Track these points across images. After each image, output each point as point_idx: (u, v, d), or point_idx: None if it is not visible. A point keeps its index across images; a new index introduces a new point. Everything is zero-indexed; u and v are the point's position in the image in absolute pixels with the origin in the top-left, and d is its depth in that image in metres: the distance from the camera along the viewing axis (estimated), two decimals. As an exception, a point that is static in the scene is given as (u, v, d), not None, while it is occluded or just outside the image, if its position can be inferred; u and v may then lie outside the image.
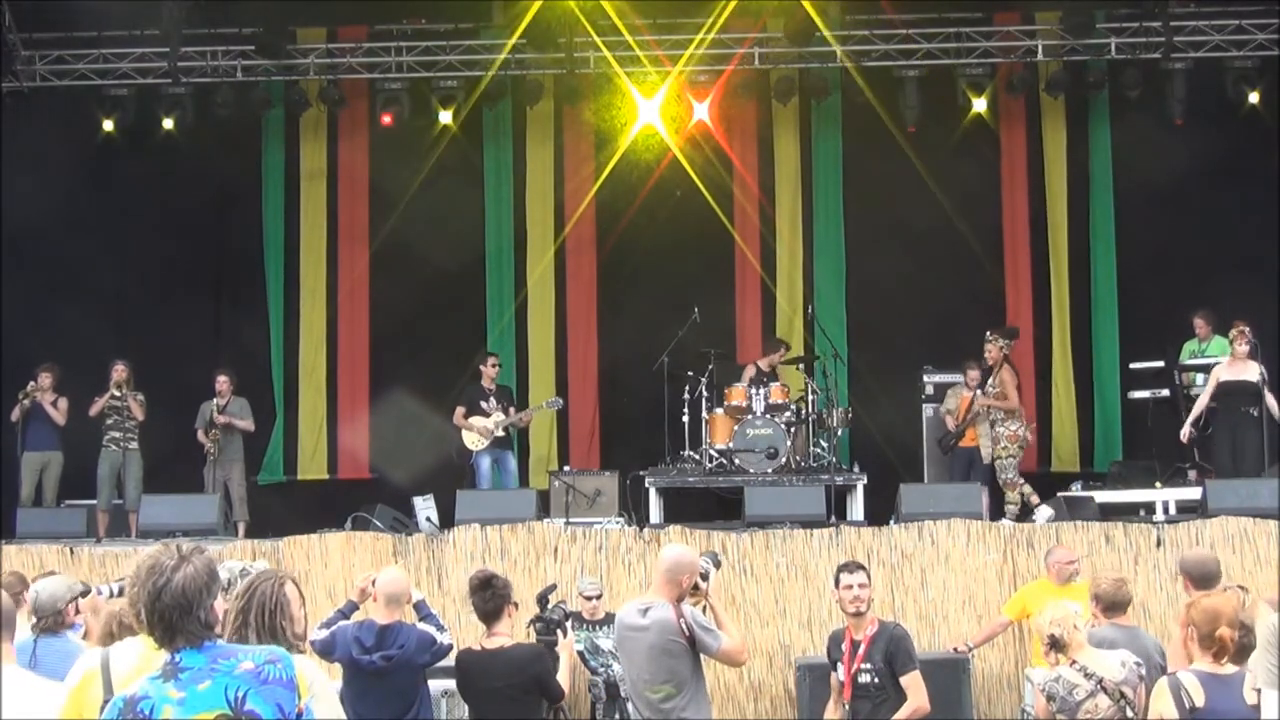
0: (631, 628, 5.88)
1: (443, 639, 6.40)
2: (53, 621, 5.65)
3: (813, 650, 9.72)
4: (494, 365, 12.71)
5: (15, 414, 12.29)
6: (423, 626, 6.42)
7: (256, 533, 11.66)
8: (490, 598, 6.45)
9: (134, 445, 12.38)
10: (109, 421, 12.33)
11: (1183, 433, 11.44)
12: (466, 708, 7.95)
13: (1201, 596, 5.06)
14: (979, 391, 12.28)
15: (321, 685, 4.75)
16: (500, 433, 12.46)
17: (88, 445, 12.59)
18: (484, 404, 12.47)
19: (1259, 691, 4.66)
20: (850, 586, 6.43)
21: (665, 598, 5.84)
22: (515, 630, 6.87)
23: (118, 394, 12.32)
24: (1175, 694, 4.74)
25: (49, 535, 10.69)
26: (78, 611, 6.23)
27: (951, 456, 12.51)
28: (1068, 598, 7.85)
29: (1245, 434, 11.38)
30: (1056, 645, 5.52)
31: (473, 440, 12.43)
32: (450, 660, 6.66)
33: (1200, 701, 4.71)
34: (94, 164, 13.92)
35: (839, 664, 6.46)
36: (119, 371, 12.36)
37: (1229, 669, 4.78)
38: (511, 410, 12.60)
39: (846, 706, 6.36)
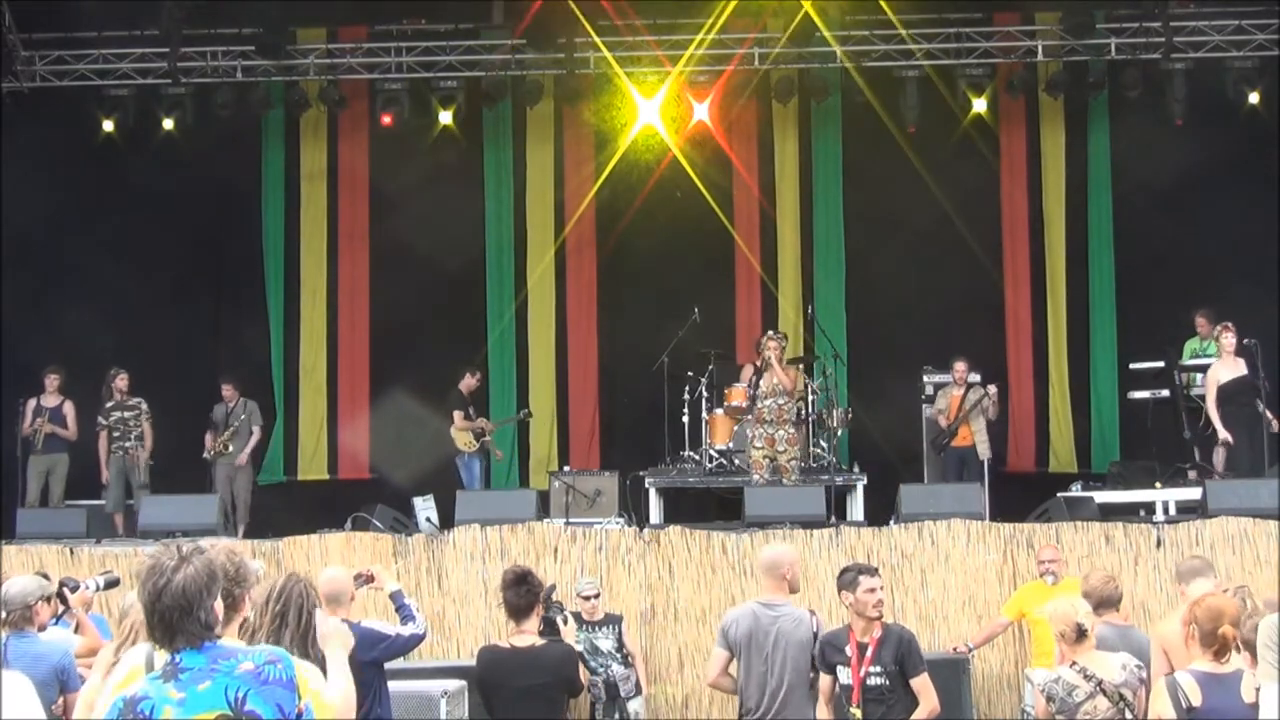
0: (761, 622, 6.47)
1: (403, 631, 6.29)
2: (19, 617, 5.63)
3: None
4: (477, 379, 13.30)
5: (27, 428, 12.36)
6: (369, 624, 6.34)
7: (256, 533, 11.68)
8: (524, 593, 6.43)
9: (140, 452, 12.46)
10: (117, 433, 12.38)
11: (1221, 436, 11.38)
12: (467, 707, 7.97)
13: (1205, 595, 5.07)
14: (968, 390, 12.33)
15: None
16: (487, 437, 12.93)
17: (90, 446, 12.62)
18: (470, 410, 12.99)
19: (1258, 690, 4.68)
20: (873, 590, 6.37)
21: (783, 595, 6.59)
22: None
23: (130, 403, 12.48)
24: (1173, 694, 4.76)
25: (49, 535, 10.66)
26: (65, 606, 6.23)
27: (945, 456, 12.54)
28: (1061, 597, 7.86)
29: (1257, 429, 11.38)
30: (1083, 634, 5.55)
31: (465, 441, 12.79)
32: (411, 651, 6.54)
33: (1197, 701, 4.73)
34: (94, 164, 13.93)
35: (839, 667, 6.42)
36: (124, 380, 12.44)
37: (1228, 668, 4.80)
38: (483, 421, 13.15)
39: (855, 709, 6.32)
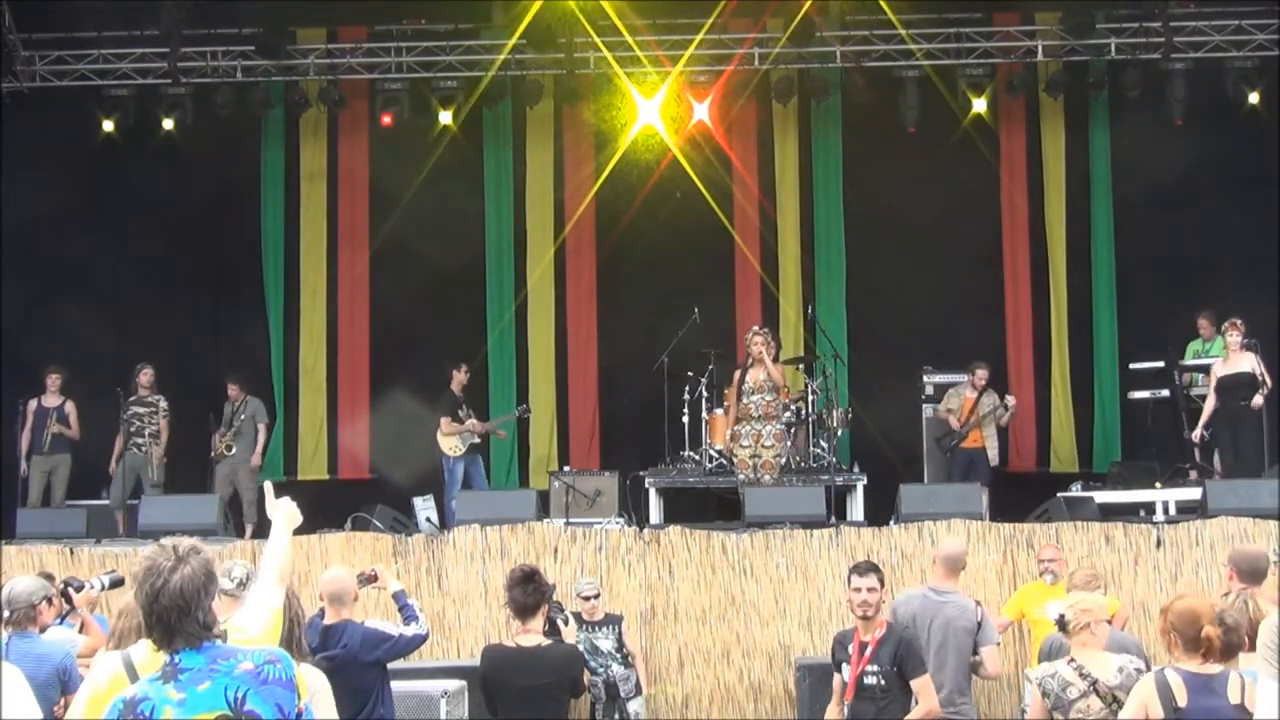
0: (929, 606, 7.03)
1: (406, 631, 6.29)
2: (22, 616, 5.62)
3: (813, 650, 9.72)
4: (466, 373, 13.07)
5: (25, 433, 12.37)
6: (372, 624, 6.33)
7: (257, 533, 11.68)
8: (532, 592, 6.43)
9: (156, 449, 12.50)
10: (132, 428, 12.39)
11: (1194, 434, 11.43)
12: (467, 707, 7.97)
13: (1175, 600, 5.00)
14: (983, 394, 12.34)
15: (322, 687, 4.88)
16: (476, 439, 12.84)
17: (90, 446, 12.62)
18: (460, 411, 12.82)
19: (1243, 688, 4.66)
20: (859, 590, 6.37)
21: (953, 584, 7.16)
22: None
23: (149, 399, 12.53)
24: (1162, 692, 4.74)
25: (49, 535, 10.67)
26: (70, 606, 6.22)
27: (952, 456, 12.53)
28: (1058, 598, 7.86)
29: (1245, 428, 11.40)
30: (1062, 625, 5.62)
31: (451, 446, 12.69)
32: (414, 651, 6.54)
33: (1183, 702, 4.70)
34: (94, 164, 13.93)
35: (844, 665, 6.43)
36: (147, 375, 12.47)
37: (1215, 668, 4.77)
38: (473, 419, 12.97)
39: (847, 708, 6.33)
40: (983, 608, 7.17)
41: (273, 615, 3.80)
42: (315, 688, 4.89)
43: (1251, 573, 5.87)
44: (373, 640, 6.13)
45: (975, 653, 7.01)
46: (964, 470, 12.33)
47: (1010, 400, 12.51)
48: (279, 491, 4.34)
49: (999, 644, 7.17)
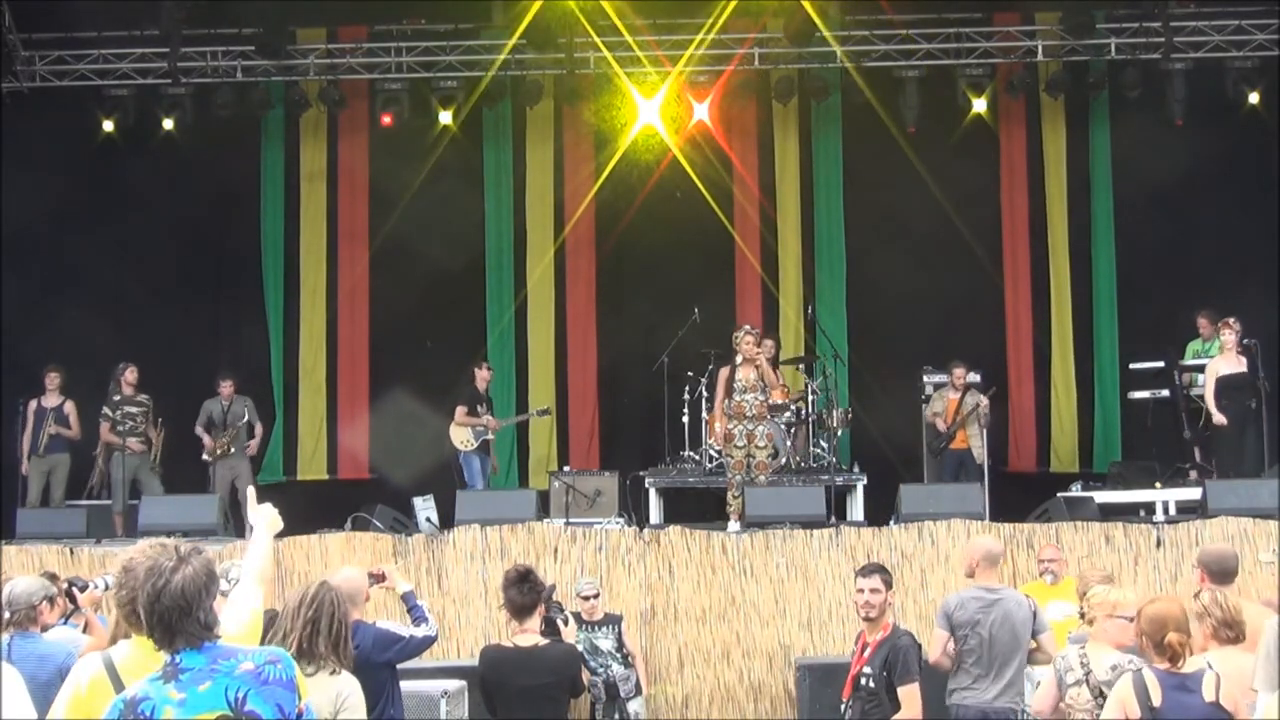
0: (985, 604, 6.94)
1: (417, 632, 6.30)
2: (24, 617, 5.63)
3: (813, 650, 9.74)
4: (488, 369, 13.09)
5: (26, 434, 12.35)
6: (383, 624, 6.34)
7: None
8: (527, 591, 6.44)
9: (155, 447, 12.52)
10: (126, 427, 12.37)
11: (1216, 418, 11.41)
12: (467, 707, 7.97)
13: (1148, 604, 5.12)
14: (966, 394, 12.33)
15: (356, 694, 4.93)
16: (490, 435, 12.83)
17: (90, 445, 12.62)
18: (479, 406, 12.80)
19: (1217, 687, 4.74)
20: (862, 590, 6.39)
21: (999, 580, 7.24)
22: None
23: (139, 398, 12.49)
24: (1139, 691, 4.84)
25: (49, 535, 10.67)
26: (74, 606, 6.22)
27: (942, 458, 12.53)
28: (1059, 598, 7.88)
29: (1249, 429, 11.42)
30: (1089, 619, 5.78)
31: (462, 438, 12.66)
32: (423, 652, 6.55)
33: (1158, 701, 4.83)
34: (94, 164, 13.93)
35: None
36: (133, 373, 12.45)
37: (1190, 668, 4.89)
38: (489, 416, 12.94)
39: (845, 706, 6.36)
40: (1033, 600, 7.16)
41: (252, 615, 3.89)
42: (351, 693, 4.97)
43: (1221, 573, 6.00)
44: (384, 641, 6.14)
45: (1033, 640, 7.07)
46: (954, 472, 12.34)
47: (985, 399, 12.45)
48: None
49: (1050, 630, 7.14)
